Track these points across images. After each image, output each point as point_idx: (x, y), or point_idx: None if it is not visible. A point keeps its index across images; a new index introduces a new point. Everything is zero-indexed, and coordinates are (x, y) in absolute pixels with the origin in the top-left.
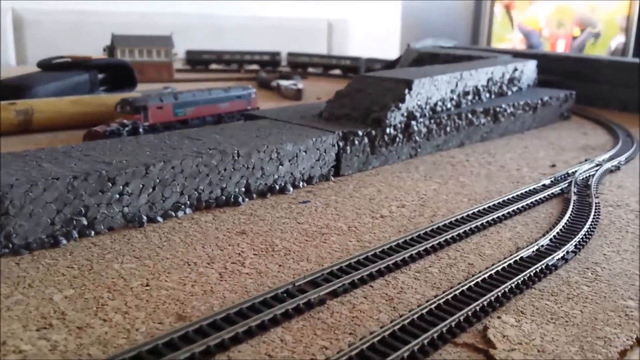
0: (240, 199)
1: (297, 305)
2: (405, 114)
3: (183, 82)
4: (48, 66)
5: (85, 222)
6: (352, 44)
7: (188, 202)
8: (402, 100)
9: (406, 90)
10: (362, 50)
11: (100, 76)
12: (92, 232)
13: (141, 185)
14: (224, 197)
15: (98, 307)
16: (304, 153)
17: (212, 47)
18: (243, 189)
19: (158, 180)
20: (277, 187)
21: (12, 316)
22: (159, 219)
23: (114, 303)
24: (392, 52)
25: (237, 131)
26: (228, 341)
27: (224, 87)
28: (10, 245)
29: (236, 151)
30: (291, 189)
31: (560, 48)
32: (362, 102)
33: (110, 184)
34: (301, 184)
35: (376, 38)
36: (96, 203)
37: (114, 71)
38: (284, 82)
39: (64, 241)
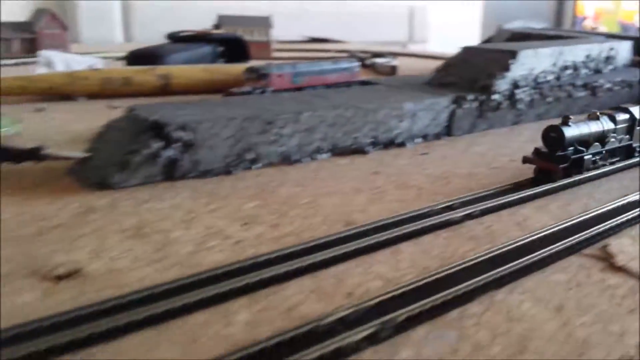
0: (368, 149)
1: (442, 221)
2: (510, 82)
3: (279, 60)
4: (177, 38)
5: (251, 157)
6: (432, 29)
7: (327, 147)
8: (508, 70)
9: (511, 60)
10: (441, 35)
11: (219, 49)
12: (255, 166)
13: (293, 129)
14: (354, 146)
15: (281, 214)
16: (421, 112)
17: (294, 32)
18: (370, 140)
19: (306, 126)
20: (398, 141)
21: (217, 217)
22: (305, 159)
23: (292, 212)
24: (471, 37)
25: (360, 92)
26: (391, 240)
27: (332, 60)
28: (197, 171)
29: (367, 106)
30: (409, 144)
31: None
32: (468, 72)
33: (270, 127)
34: (417, 140)
35: (456, 23)
36: (259, 142)
37: (230, 45)
38: (378, 60)
39: (235, 171)
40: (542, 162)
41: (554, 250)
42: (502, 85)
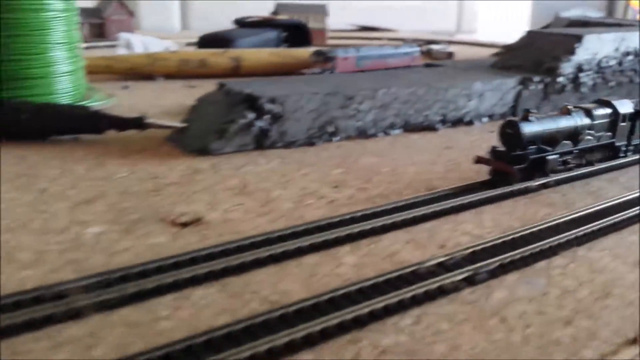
0: (437, 126)
1: (520, 189)
2: (574, 66)
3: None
4: (243, 23)
5: (331, 130)
6: (480, 21)
7: (400, 123)
8: (573, 53)
9: (577, 44)
10: (489, 26)
11: (283, 34)
12: (335, 139)
13: (370, 105)
14: (425, 123)
15: (366, 180)
16: (489, 92)
17: (342, 22)
18: (440, 118)
19: (381, 103)
20: (466, 119)
21: (309, 180)
22: (380, 134)
23: (376, 178)
24: (519, 26)
25: (429, 73)
26: (474, 203)
27: (394, 45)
28: (283, 141)
29: (439, 85)
30: (477, 122)
31: None
32: (533, 55)
33: (349, 102)
34: (484, 119)
35: (504, 13)
36: (339, 116)
37: (293, 30)
38: (434, 46)
39: (317, 143)
40: (497, 163)
41: (627, 216)
42: (566, 68)
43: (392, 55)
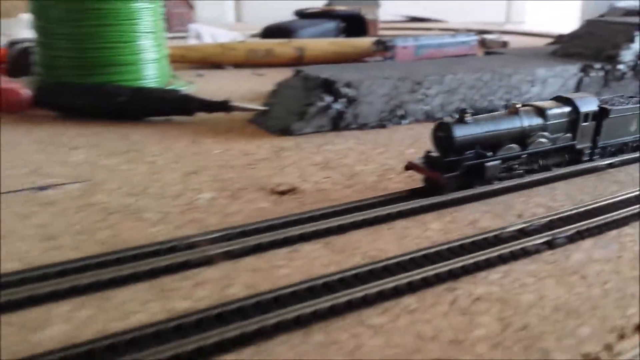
0: (501, 110)
1: (588, 168)
2: (634, 54)
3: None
4: (303, 14)
5: (400, 113)
6: (530, 10)
7: (465, 107)
8: (632, 41)
9: (636, 32)
10: (539, 16)
11: (341, 25)
12: (404, 122)
13: (437, 90)
14: (489, 108)
15: None
16: (551, 78)
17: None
18: (504, 103)
19: (448, 88)
20: None
21: (386, 157)
22: (446, 118)
23: None
24: (569, 16)
25: (490, 60)
26: (546, 179)
27: (451, 34)
28: (357, 123)
29: (503, 71)
30: None
31: None
32: (593, 43)
33: (418, 87)
34: None
35: (553, 4)
36: (408, 100)
37: (350, 21)
38: (488, 36)
39: (388, 125)
40: (426, 170)
41: None
42: (626, 56)
43: (449, 44)
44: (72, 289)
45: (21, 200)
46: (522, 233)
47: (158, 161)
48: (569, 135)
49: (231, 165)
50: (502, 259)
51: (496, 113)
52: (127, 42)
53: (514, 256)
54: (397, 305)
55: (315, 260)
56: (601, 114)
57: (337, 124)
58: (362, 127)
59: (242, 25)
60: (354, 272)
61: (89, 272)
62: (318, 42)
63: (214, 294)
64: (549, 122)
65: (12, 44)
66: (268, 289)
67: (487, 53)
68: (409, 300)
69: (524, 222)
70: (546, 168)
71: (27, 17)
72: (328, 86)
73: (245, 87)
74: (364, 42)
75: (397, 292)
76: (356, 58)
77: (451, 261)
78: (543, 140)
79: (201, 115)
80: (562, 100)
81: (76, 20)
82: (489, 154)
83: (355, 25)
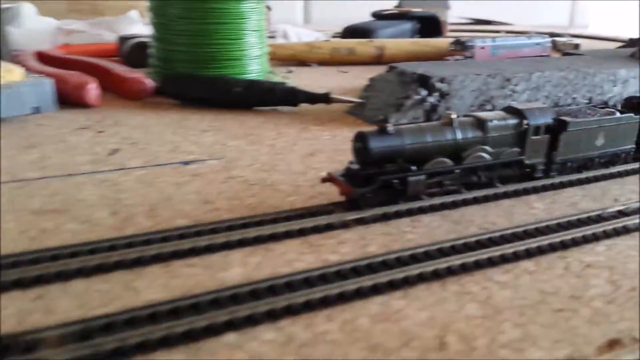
0: None
1: None
2: None
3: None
4: (380, 16)
5: (489, 108)
6: (593, 14)
7: (549, 104)
8: None
9: None
10: (603, 20)
11: (417, 25)
12: None
13: (525, 87)
14: (572, 105)
15: None
16: (632, 79)
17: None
18: (586, 101)
19: (535, 85)
20: (610, 103)
21: None
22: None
23: None
24: (633, 20)
25: (572, 60)
26: (634, 170)
27: (526, 35)
28: None
29: (587, 70)
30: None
31: None
32: None
33: (507, 83)
34: None
35: (617, 8)
36: (496, 95)
37: (425, 22)
38: (559, 39)
39: None
40: (341, 183)
41: None
42: None
43: (524, 45)
44: (241, 241)
45: (173, 172)
46: (622, 214)
47: (277, 144)
48: (515, 149)
49: (342, 149)
50: (607, 234)
51: (427, 124)
52: (236, 39)
53: (616, 232)
54: (517, 267)
55: (436, 230)
56: (558, 126)
57: (430, 116)
58: None
59: (311, 26)
60: (475, 238)
61: (252, 228)
62: (398, 41)
63: (355, 251)
64: (489, 135)
65: (123, 39)
66: (398, 248)
67: (566, 54)
68: (527, 264)
69: (622, 205)
70: (488, 184)
71: (135, 14)
72: (423, 81)
73: (333, 83)
74: (442, 42)
75: (516, 257)
76: (434, 57)
77: (561, 233)
78: (483, 154)
79: (304, 106)
80: (511, 111)
81: (193, 18)
82: (413, 168)
83: (430, 26)
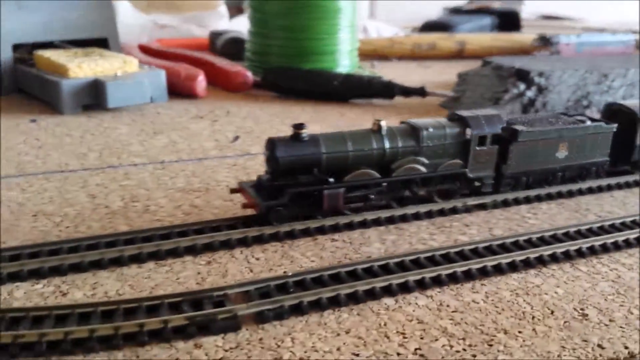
0: None
1: None
2: None
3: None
4: (459, 11)
5: (585, 103)
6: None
7: None
8: None
9: None
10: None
11: (496, 20)
12: (588, 112)
13: (621, 83)
14: None
15: None
16: None
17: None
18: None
19: (630, 81)
20: None
21: None
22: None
23: None
24: None
25: None
26: None
27: (611, 32)
28: (545, 110)
29: None
30: None
31: None
32: None
33: (604, 79)
34: None
35: None
36: (593, 91)
37: (504, 17)
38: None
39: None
40: (249, 195)
41: None
42: None
43: (609, 42)
44: (376, 221)
45: None
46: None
47: None
48: (457, 161)
49: None
50: None
51: (350, 131)
52: (330, 34)
53: None
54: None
55: (557, 216)
56: (510, 136)
57: (527, 110)
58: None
59: (375, 22)
60: (596, 225)
61: (386, 210)
62: (479, 36)
63: (482, 233)
64: (423, 145)
65: (215, 34)
66: (522, 232)
67: None
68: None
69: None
70: (427, 199)
71: (223, 10)
72: (522, 75)
73: (416, 77)
74: (523, 37)
75: (628, 245)
76: (515, 53)
77: None
78: (416, 166)
79: (399, 99)
80: (454, 118)
81: (291, 14)
82: (331, 179)
83: (508, 21)
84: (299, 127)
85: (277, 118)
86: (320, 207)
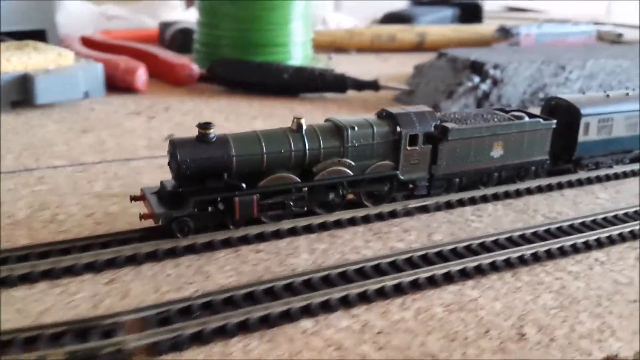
0: None
1: None
2: None
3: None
4: (420, 2)
5: (541, 96)
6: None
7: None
8: None
9: None
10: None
11: (457, 12)
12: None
13: (579, 74)
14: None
15: None
16: None
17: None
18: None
19: (588, 73)
20: None
21: None
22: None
23: None
24: None
25: (623, 49)
26: None
27: (572, 23)
28: (499, 104)
29: None
30: None
31: None
32: None
33: (561, 70)
34: None
35: None
36: (550, 83)
37: (466, 8)
38: (602, 28)
39: (529, 107)
40: (148, 204)
41: None
42: None
43: (570, 33)
44: (307, 228)
45: None
46: None
47: None
48: (387, 162)
49: None
50: None
51: (265, 130)
52: (282, 25)
53: None
54: (589, 257)
55: (502, 218)
56: (440, 135)
57: (481, 104)
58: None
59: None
60: (543, 228)
61: (317, 216)
62: (440, 28)
63: (421, 239)
64: (349, 145)
65: (164, 25)
66: (465, 237)
67: (614, 42)
68: (598, 254)
69: None
70: (355, 204)
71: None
72: (476, 67)
73: (374, 70)
74: (484, 28)
75: (587, 247)
76: (476, 44)
77: (633, 223)
78: (341, 168)
79: (351, 93)
80: (383, 116)
81: (240, 3)
82: (243, 185)
83: (470, 12)
84: (204, 126)
85: (221, 114)
86: (232, 216)
